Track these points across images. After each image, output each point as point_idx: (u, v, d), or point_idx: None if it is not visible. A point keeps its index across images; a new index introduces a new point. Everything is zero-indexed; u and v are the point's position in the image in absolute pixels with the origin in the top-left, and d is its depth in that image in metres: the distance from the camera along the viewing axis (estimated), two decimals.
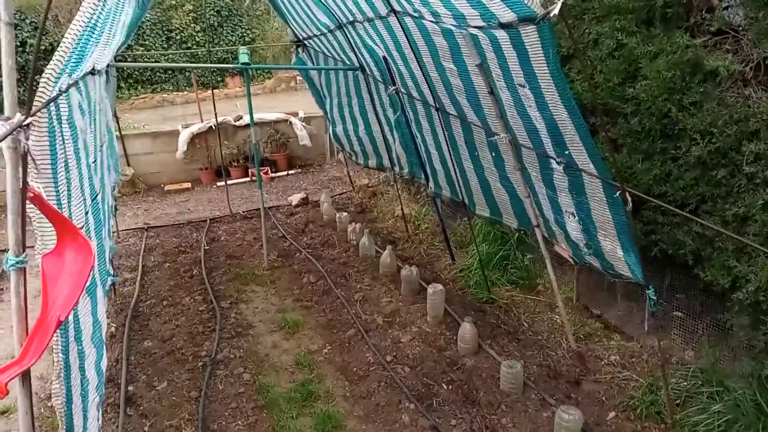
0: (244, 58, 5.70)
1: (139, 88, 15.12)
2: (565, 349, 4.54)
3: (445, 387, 4.20)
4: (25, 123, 1.84)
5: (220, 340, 4.90)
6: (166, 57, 14.59)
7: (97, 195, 3.43)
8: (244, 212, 8.13)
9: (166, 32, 15.22)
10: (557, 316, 4.96)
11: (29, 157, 1.88)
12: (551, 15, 2.56)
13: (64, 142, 2.47)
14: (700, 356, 3.97)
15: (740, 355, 3.70)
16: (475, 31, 3.32)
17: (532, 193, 4.05)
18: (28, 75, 10.99)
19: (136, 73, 15.00)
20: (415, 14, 3.89)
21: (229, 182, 9.01)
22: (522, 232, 5.18)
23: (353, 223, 6.84)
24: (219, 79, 15.54)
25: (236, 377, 4.43)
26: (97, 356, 3.11)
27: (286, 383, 4.33)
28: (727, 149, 3.21)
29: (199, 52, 14.92)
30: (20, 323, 1.96)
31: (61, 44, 2.26)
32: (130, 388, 4.34)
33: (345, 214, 7.27)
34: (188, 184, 9.72)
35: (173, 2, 15.10)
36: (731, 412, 3.37)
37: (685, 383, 3.81)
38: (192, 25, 15.37)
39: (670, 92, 3.42)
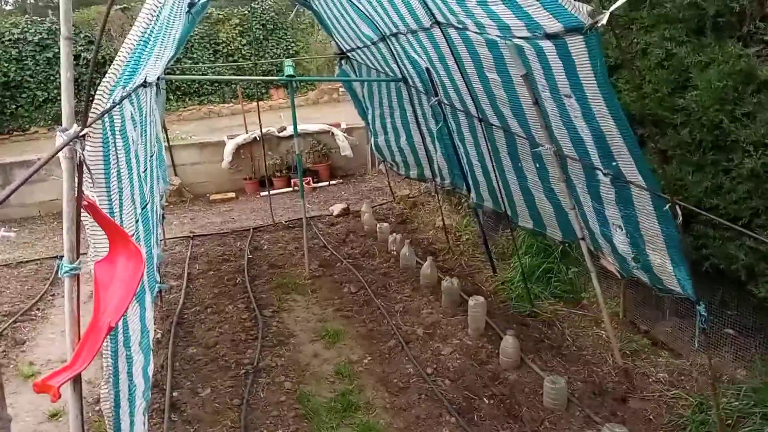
0: (289, 70, 5.80)
1: (186, 99, 15.56)
2: (610, 366, 4.42)
3: (487, 401, 4.14)
4: (81, 134, 1.90)
5: (262, 348, 4.95)
6: (213, 69, 14.98)
7: (146, 204, 3.53)
8: (286, 222, 8.23)
9: (213, 45, 15.64)
10: (602, 332, 4.84)
11: (84, 167, 1.95)
12: (599, 25, 2.51)
13: (117, 153, 2.55)
14: (752, 375, 3.81)
15: None
16: (520, 42, 3.30)
17: (578, 205, 3.98)
18: (81, 87, 11.45)
19: (184, 85, 15.43)
20: (460, 26, 3.89)
21: (272, 192, 9.14)
22: (566, 244, 5.09)
23: (394, 234, 6.84)
24: (264, 90, 15.85)
25: (278, 385, 4.46)
26: (145, 362, 3.18)
27: (327, 393, 4.34)
28: None
29: (245, 65, 15.27)
30: (73, 328, 2.01)
31: (116, 58, 2.34)
32: (175, 393, 4.43)
33: (385, 224, 7.28)
34: (233, 194, 9.91)
35: (220, 16, 15.51)
36: None
37: (737, 403, 3.66)
38: (238, 38, 15.76)
39: (722, 103, 3.31)
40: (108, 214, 2.23)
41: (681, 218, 2.83)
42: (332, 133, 10.31)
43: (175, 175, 9.64)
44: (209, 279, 6.51)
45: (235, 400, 4.31)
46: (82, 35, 13.93)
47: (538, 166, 4.18)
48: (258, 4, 15.36)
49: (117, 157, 2.57)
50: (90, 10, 14.71)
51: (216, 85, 15.78)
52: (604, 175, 3.32)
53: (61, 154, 1.90)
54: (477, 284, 5.92)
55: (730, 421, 3.58)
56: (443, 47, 4.47)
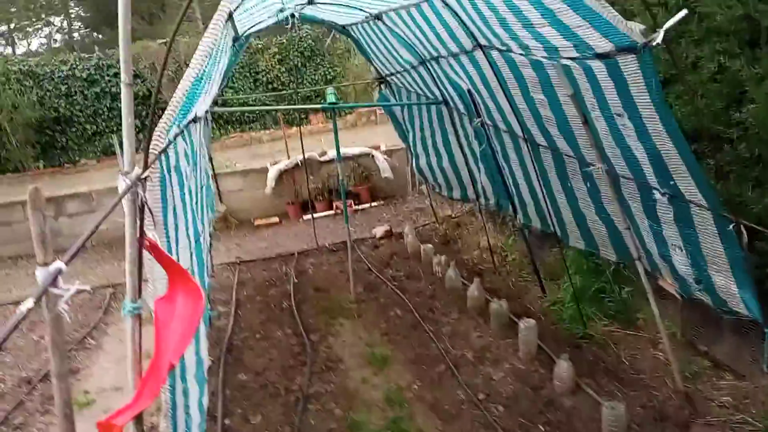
0: (331, 98, 5.87)
1: (228, 128, 15.91)
2: (671, 389, 4.25)
3: (542, 428, 4.04)
4: (143, 176, 1.95)
5: (311, 374, 4.95)
6: (254, 98, 15.30)
7: (200, 236, 3.59)
8: (329, 245, 8.27)
9: (253, 74, 16.00)
10: (660, 353, 4.67)
11: (146, 208, 1.99)
12: (653, 44, 2.46)
13: (173, 189, 2.60)
14: None
15: None
16: (567, 62, 3.26)
17: (633, 225, 3.87)
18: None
19: (227, 113, 15.78)
20: (503, 48, 3.87)
21: (314, 216, 9.21)
22: (621, 264, 4.95)
23: (438, 255, 6.79)
24: (303, 116, 16.08)
25: (328, 413, 4.45)
26: (200, 393, 3.20)
27: (378, 420, 4.30)
28: None
29: (285, 92, 15.53)
30: (135, 366, 2.04)
31: (173, 98, 2.40)
32: (227, 421, 4.46)
33: (429, 246, 7.23)
34: (276, 219, 10.02)
35: (260, 46, 15.85)
36: None
37: None
38: (277, 66, 16.07)
39: None
40: (167, 252, 2.26)
41: (746, 238, 2.72)
42: (372, 156, 10.36)
43: (221, 202, 9.81)
44: (256, 304, 6.56)
45: (286, 428, 4.31)
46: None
47: (589, 185, 4.09)
48: (295, 32, 15.67)
49: (173, 194, 2.62)
50: (135, 44, 15.23)
51: (257, 113, 16.09)
52: (662, 194, 3.22)
53: (124, 198, 1.94)
54: (526, 305, 5.80)
55: None
56: (486, 69, 4.46)
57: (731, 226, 2.77)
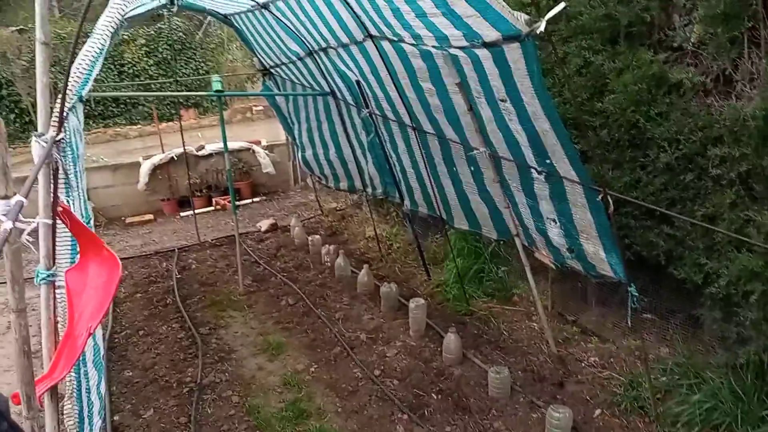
0: (217, 85, 5.77)
1: (90, 123, 14.83)
2: (546, 354, 4.70)
3: (435, 396, 4.29)
4: (57, 138, 1.88)
5: (203, 365, 4.85)
6: (120, 90, 14.44)
7: (90, 221, 3.41)
8: (212, 240, 8.07)
9: (118, 66, 15.09)
10: (535, 324, 5.14)
11: (61, 171, 1.92)
12: (537, 32, 2.76)
13: (71, 163, 2.50)
14: (675, 352, 4.19)
15: (713, 348, 3.93)
16: (456, 52, 3.51)
17: (512, 204, 4.24)
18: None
19: (87, 107, 14.69)
20: (395, 38, 4.06)
21: (192, 212, 8.92)
22: (497, 244, 5.37)
23: (327, 246, 6.90)
24: (173, 111, 15.43)
25: (225, 400, 4.40)
26: (98, 379, 3.07)
27: (276, 403, 4.32)
28: (693, 155, 3.48)
29: (153, 85, 14.82)
30: (50, 336, 1.96)
31: (77, 65, 2.31)
32: (116, 417, 4.25)
33: (317, 236, 7.33)
34: (150, 216, 9.57)
35: (125, 37, 14.99)
36: (710, 401, 3.58)
37: (664, 378, 4.01)
38: (145, 59, 15.29)
39: (637, 104, 3.69)
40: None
41: (613, 207, 3.12)
42: (253, 150, 10.24)
43: (88, 199, 9.18)
44: (137, 302, 6.27)
45: (182, 419, 4.21)
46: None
47: (472, 169, 4.42)
48: (165, 24, 14.99)
49: (73, 167, 2.51)
50: None
51: (122, 106, 15.16)
52: (538, 173, 3.58)
53: (36, 159, 1.87)
54: (412, 289, 6.09)
55: (659, 396, 3.92)
56: (376, 59, 4.64)
57: (599, 197, 3.17)
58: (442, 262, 6.36)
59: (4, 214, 1.11)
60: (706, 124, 3.35)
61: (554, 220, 3.77)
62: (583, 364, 4.54)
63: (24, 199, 1.16)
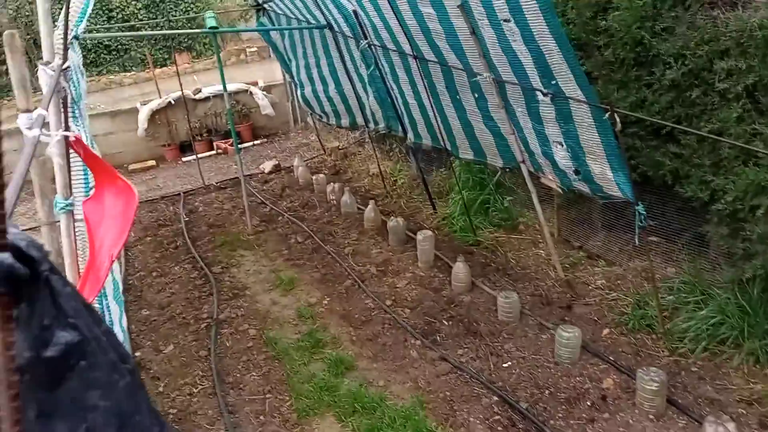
0: (211, 22, 5.64)
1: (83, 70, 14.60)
2: (553, 279, 4.79)
3: (446, 323, 4.40)
4: (64, 66, 1.87)
5: (219, 302, 4.96)
6: (110, 37, 14.14)
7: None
8: (217, 183, 8.09)
9: (106, 12, 14.71)
10: (541, 251, 5.21)
11: (70, 100, 1.91)
12: None
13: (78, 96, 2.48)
14: (681, 271, 4.26)
15: (719, 265, 3.99)
16: None
17: (517, 129, 4.22)
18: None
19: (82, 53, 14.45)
20: None
21: (194, 157, 8.91)
22: (502, 173, 5.37)
23: (331, 184, 6.92)
24: (166, 56, 15.14)
25: (242, 333, 4.52)
26: (120, 313, 3.16)
27: (292, 334, 4.44)
28: (700, 70, 3.43)
29: (144, 30, 14.49)
30: (72, 265, 2.01)
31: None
32: (137, 354, 4.38)
33: (321, 175, 7.34)
34: (153, 162, 9.58)
35: None
36: (717, 316, 3.66)
37: (671, 297, 4.09)
38: (133, 2, 14.89)
39: (642, 20, 3.61)
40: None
41: (620, 125, 3.11)
42: (250, 92, 10.11)
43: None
44: (148, 245, 6.35)
45: (202, 352, 4.34)
46: None
47: (476, 96, 4.37)
48: None
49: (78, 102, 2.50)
50: None
51: (114, 54, 14.88)
52: (544, 95, 3.55)
53: (45, 88, 1.86)
54: (419, 222, 6.14)
55: (666, 313, 4.01)
56: None
57: (606, 116, 3.15)
58: (447, 195, 6.38)
59: (28, 127, 1.12)
60: (712, 37, 3.29)
61: (560, 143, 3.76)
62: (590, 287, 4.63)
63: (45, 112, 1.16)
